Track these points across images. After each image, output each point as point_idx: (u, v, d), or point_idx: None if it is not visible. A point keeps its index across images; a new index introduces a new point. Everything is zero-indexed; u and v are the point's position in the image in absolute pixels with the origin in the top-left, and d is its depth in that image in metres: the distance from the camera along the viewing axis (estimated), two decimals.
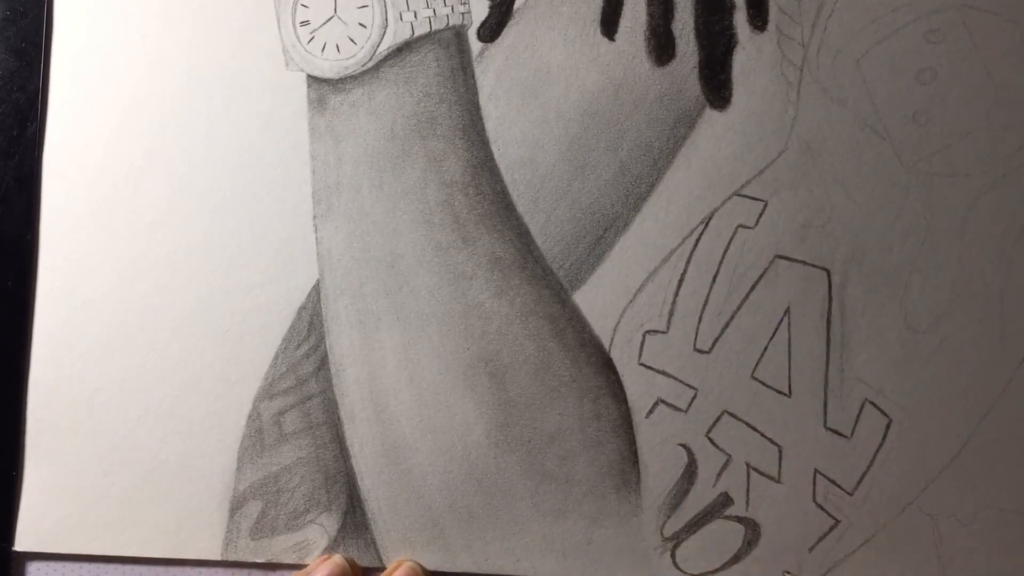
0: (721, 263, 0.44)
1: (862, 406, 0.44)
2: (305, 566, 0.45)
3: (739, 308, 0.44)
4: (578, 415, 0.44)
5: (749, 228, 0.44)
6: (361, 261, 0.45)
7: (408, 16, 0.44)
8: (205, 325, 0.45)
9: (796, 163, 0.44)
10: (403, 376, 0.45)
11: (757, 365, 0.44)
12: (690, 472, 0.44)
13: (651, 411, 0.44)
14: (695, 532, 0.44)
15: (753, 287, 0.44)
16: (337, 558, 0.43)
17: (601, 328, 0.44)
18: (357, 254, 0.45)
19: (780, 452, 0.44)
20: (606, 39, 0.44)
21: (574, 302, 0.44)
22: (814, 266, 0.44)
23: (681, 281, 0.44)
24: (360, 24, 0.45)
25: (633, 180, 0.44)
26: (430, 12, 0.44)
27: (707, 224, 0.44)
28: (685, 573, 0.44)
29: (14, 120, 0.45)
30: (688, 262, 0.44)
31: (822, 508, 0.44)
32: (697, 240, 0.44)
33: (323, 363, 0.45)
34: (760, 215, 0.44)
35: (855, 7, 0.43)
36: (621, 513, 0.44)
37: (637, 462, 0.44)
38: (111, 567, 0.46)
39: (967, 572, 0.43)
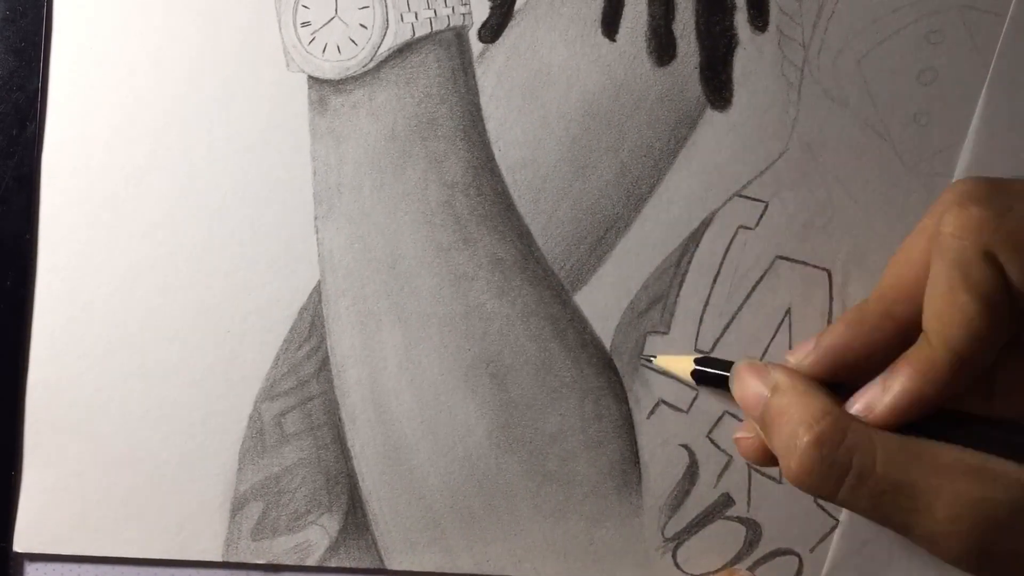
0: (722, 264, 0.44)
1: None
2: (307, 568, 0.45)
3: (740, 309, 0.44)
4: (579, 416, 0.44)
5: (750, 229, 0.44)
6: (362, 262, 0.45)
7: (409, 17, 0.44)
8: (206, 326, 0.45)
9: (797, 164, 0.44)
10: (404, 377, 0.45)
11: None
12: (691, 473, 0.44)
13: (652, 412, 0.44)
14: (696, 533, 0.44)
15: (754, 288, 0.44)
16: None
17: (602, 329, 0.44)
18: (358, 255, 0.45)
19: None
20: (607, 39, 0.44)
21: (575, 303, 0.44)
22: (815, 267, 0.44)
23: (682, 282, 0.44)
24: (361, 25, 0.44)
25: (634, 181, 0.44)
26: (431, 13, 0.44)
27: (708, 225, 0.44)
28: (686, 574, 0.44)
29: (14, 120, 0.45)
30: (689, 263, 0.44)
31: (823, 508, 0.44)
32: (698, 241, 0.44)
33: (324, 364, 0.45)
34: (761, 216, 0.44)
35: (856, 8, 0.43)
36: (622, 514, 0.44)
37: (638, 463, 0.44)
38: (111, 568, 0.46)
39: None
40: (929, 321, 0.34)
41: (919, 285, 0.35)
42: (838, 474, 0.33)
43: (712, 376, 0.41)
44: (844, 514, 0.44)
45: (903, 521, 0.33)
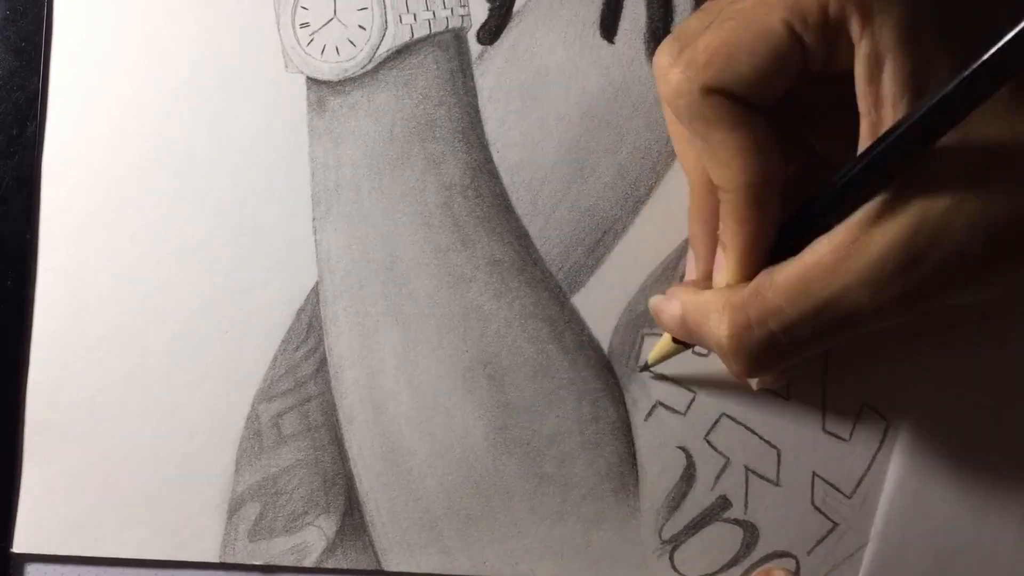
0: None
1: (860, 409, 0.44)
2: (304, 569, 0.45)
3: None
4: (577, 418, 0.44)
5: None
6: (360, 263, 0.45)
7: (407, 19, 0.44)
8: (204, 326, 0.45)
9: None
10: (402, 378, 0.45)
11: None
12: (688, 475, 0.44)
13: (649, 414, 0.44)
14: (693, 535, 0.44)
15: None
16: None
17: (600, 331, 0.44)
18: (356, 256, 0.45)
19: (779, 455, 0.44)
20: (605, 41, 0.44)
21: (573, 305, 0.44)
22: None
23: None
24: (360, 26, 0.44)
25: (632, 183, 0.44)
26: (429, 15, 0.44)
27: None
28: None
29: (14, 120, 0.45)
30: (687, 265, 0.44)
31: (820, 511, 0.44)
32: None
33: (322, 365, 0.45)
34: None
35: None
36: (619, 516, 0.44)
37: (635, 465, 0.44)
38: (109, 569, 0.46)
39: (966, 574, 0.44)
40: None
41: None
42: (770, 346, 0.35)
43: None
44: (875, 529, 0.44)
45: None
